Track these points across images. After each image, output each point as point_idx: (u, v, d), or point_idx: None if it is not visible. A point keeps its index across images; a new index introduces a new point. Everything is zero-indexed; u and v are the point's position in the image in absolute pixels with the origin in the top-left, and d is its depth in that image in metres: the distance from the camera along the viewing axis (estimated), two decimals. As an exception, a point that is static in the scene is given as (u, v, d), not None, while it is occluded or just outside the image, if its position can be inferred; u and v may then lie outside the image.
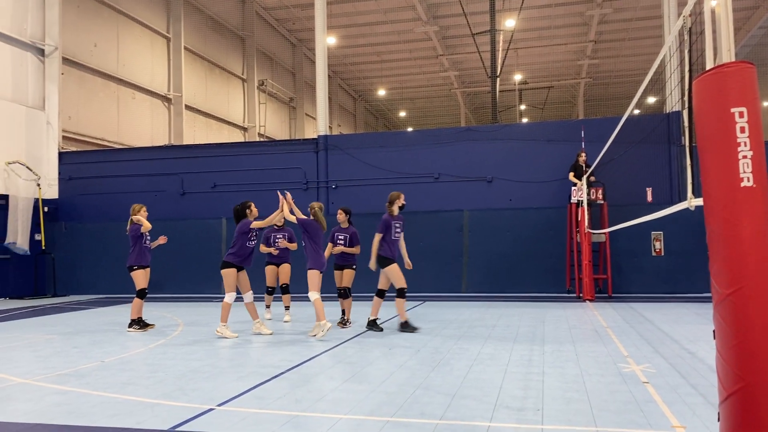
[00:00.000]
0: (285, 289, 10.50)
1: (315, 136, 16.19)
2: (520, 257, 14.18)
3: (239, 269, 8.75)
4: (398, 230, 8.78)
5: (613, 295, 13.32)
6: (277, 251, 10.31)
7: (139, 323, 9.35)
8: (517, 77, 32.19)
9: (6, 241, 15.53)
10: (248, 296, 8.88)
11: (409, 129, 33.12)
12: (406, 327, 8.72)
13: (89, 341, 8.37)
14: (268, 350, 7.42)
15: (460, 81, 35.59)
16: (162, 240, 9.69)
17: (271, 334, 8.81)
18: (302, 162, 15.76)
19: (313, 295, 8.36)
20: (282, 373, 6.11)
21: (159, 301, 13.99)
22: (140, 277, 9.32)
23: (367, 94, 39.55)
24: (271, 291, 10.54)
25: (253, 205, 8.89)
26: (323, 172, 15.60)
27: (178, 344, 8.05)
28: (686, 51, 3.85)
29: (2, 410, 4.88)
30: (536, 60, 31.74)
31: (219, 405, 4.94)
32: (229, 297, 8.58)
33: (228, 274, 8.59)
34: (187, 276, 15.80)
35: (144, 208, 9.43)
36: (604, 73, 34.28)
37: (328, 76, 33.62)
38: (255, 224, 8.64)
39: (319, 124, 16.05)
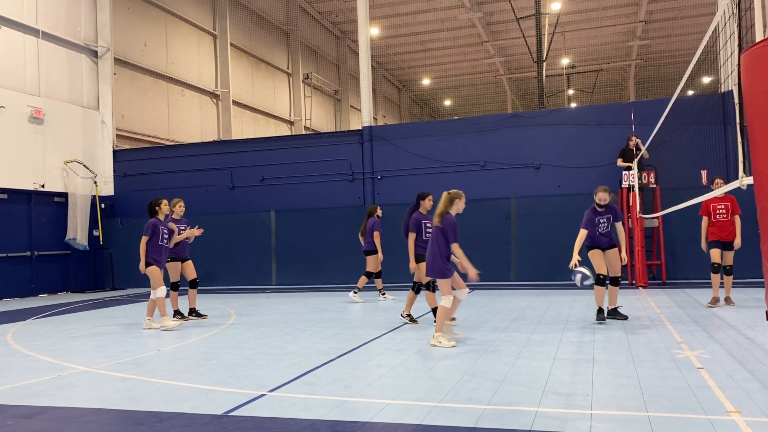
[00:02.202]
0: (379, 274, 11.63)
1: (360, 128, 16.26)
2: (570, 244, 13.92)
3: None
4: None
5: (667, 281, 12.99)
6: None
7: (179, 314, 9.65)
8: (565, 61, 31.53)
9: (66, 237, 16.18)
10: (161, 290, 8.70)
11: (455, 117, 32.92)
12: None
13: (146, 332, 8.66)
14: (317, 339, 7.54)
15: (505, 67, 35.13)
16: (196, 231, 9.69)
17: (170, 327, 8.65)
18: (347, 153, 15.87)
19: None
20: (331, 360, 6.21)
21: (212, 293, 14.36)
22: (168, 271, 9.52)
23: (412, 84, 39.44)
24: (370, 275, 11.56)
25: (163, 203, 8.95)
26: (368, 162, 15.67)
27: (231, 334, 8.26)
28: (735, 25, 3.72)
29: (67, 396, 5.12)
30: (584, 43, 31.02)
31: (270, 391, 5.06)
32: (161, 291, 8.65)
33: (151, 272, 8.67)
34: (239, 268, 16.16)
35: (169, 203, 9.42)
36: (656, 53, 33.25)
37: (372, 67, 33.67)
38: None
39: (363, 115, 16.13)
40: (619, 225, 8.04)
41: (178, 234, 9.43)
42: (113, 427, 4.29)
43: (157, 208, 8.91)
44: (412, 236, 8.21)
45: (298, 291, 14.30)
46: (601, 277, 7.91)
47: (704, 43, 5.93)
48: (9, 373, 6.12)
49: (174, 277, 9.61)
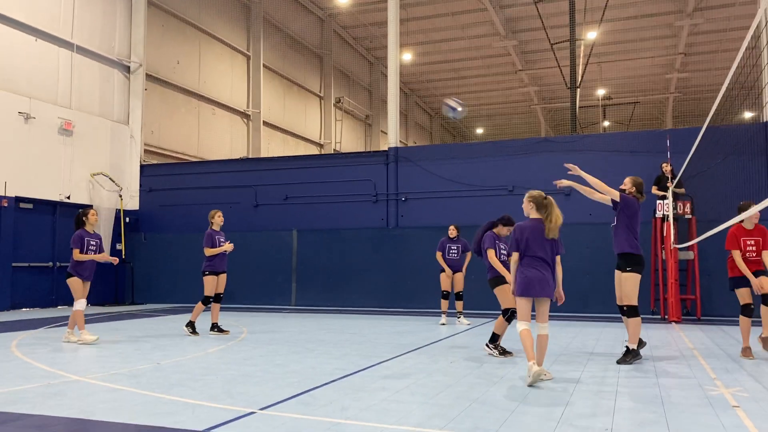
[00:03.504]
0: (459, 296, 11.12)
1: (386, 149, 16.01)
2: (600, 275, 13.32)
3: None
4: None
5: (702, 317, 12.29)
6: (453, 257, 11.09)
7: (191, 326, 9.46)
8: (600, 92, 31.04)
9: (89, 250, 16.13)
10: (80, 303, 8.52)
11: (480, 133, 32.48)
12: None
13: (152, 345, 8.40)
14: (324, 359, 7.17)
15: (539, 97, 34.77)
16: (227, 247, 9.64)
17: (78, 341, 8.40)
18: (372, 174, 15.61)
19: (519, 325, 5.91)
20: (334, 380, 5.82)
21: (229, 311, 14.09)
22: (209, 282, 9.47)
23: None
24: (446, 295, 11.13)
25: (90, 213, 8.65)
26: (393, 184, 15.38)
27: (237, 350, 7.94)
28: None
29: (49, 405, 4.84)
30: (621, 74, 30.51)
31: (261, 409, 4.69)
32: (81, 304, 8.47)
33: (71, 283, 8.50)
34: (258, 287, 15.90)
35: (218, 214, 9.68)
36: (695, 87, 32.48)
37: (405, 93, 33.81)
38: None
39: (390, 135, 15.89)
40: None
41: (219, 245, 9.42)
42: (82, 439, 3.97)
43: (84, 218, 8.63)
44: (491, 252, 7.47)
45: (316, 312, 13.95)
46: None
47: (736, 64, 5.47)
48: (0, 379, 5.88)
49: (213, 290, 9.46)
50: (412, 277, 14.68)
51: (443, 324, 11.10)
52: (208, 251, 9.43)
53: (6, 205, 13.90)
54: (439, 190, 15.02)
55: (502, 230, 7.74)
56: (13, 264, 14.12)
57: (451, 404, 4.85)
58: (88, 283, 8.76)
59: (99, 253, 8.74)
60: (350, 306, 15.00)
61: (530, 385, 5.50)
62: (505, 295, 7.29)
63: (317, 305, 15.35)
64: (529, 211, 5.97)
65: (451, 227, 11.33)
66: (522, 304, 5.83)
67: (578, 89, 19.90)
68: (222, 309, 14.27)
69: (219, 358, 7.25)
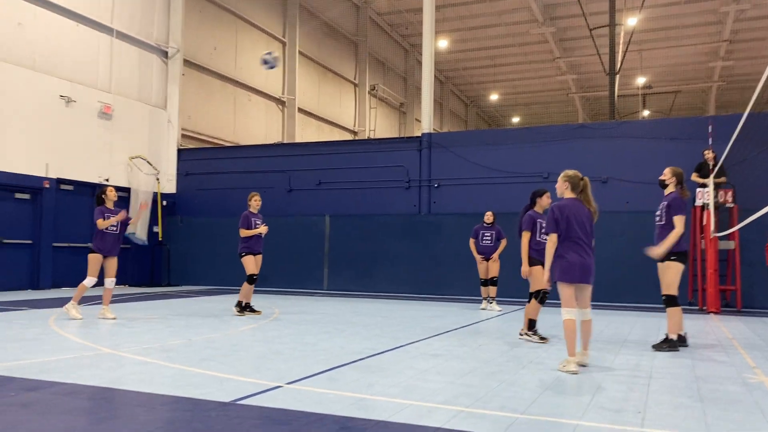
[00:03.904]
0: (493, 282, 11.17)
1: (419, 134, 15.90)
2: (637, 264, 13.02)
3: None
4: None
5: (742, 309, 11.94)
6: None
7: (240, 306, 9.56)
8: (641, 80, 30.30)
9: (127, 231, 16.46)
10: (109, 282, 8.82)
11: (516, 122, 31.92)
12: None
13: (185, 323, 8.51)
14: (353, 339, 7.16)
15: (577, 85, 34.12)
16: (262, 229, 9.70)
17: (114, 318, 8.65)
18: (405, 160, 15.52)
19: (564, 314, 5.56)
20: (361, 359, 5.81)
21: (262, 293, 14.21)
22: (248, 262, 9.55)
23: (480, 100, 38.88)
24: (485, 282, 11.23)
25: (108, 190, 8.79)
26: (426, 170, 15.27)
27: (267, 329, 7.99)
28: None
29: (80, 375, 4.93)
30: (662, 62, 29.73)
31: (288, 383, 4.70)
32: (89, 281, 8.64)
33: (90, 259, 8.66)
34: (291, 271, 16.00)
35: (256, 197, 9.76)
36: (741, 76, 31.47)
37: (440, 81, 33.54)
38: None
39: (423, 121, 15.76)
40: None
41: (254, 228, 9.50)
42: (109, 405, 4.03)
43: (103, 196, 8.80)
44: (526, 235, 7.18)
45: (348, 297, 13.98)
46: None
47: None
48: (35, 350, 6.02)
49: (254, 268, 9.53)
50: (443, 264, 14.60)
51: (483, 309, 11.11)
52: (243, 232, 9.51)
53: (48, 186, 14.24)
54: (472, 177, 14.87)
55: (543, 201, 7.38)
56: (54, 244, 14.48)
57: (478, 384, 4.78)
58: (112, 261, 8.82)
59: (121, 229, 8.86)
60: (381, 291, 14.99)
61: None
62: (536, 276, 7.11)
63: (349, 290, 15.38)
64: (564, 191, 5.72)
65: (488, 213, 11.28)
66: (565, 291, 5.51)
67: (617, 76, 19.48)
68: (255, 291, 14.42)
69: (250, 336, 7.31)
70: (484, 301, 11.34)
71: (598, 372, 5.40)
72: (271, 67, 9.60)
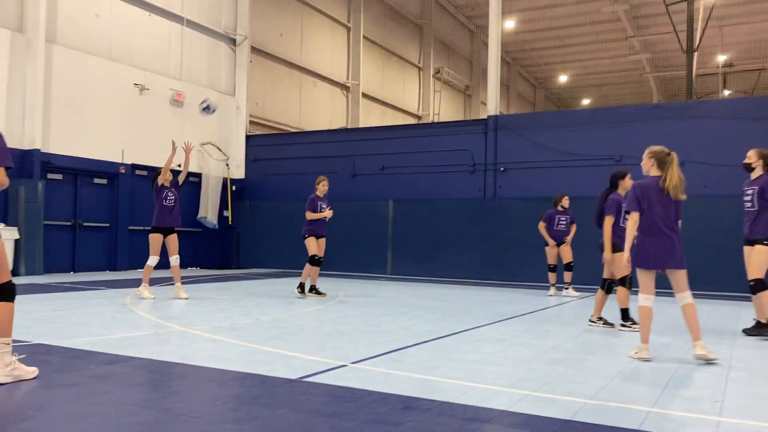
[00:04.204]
0: (568, 267, 10.92)
1: (485, 117, 15.64)
2: (715, 251, 12.47)
3: (165, 233, 8.99)
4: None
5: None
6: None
7: (302, 287, 9.67)
8: (721, 58, 28.77)
9: (198, 215, 17.00)
10: (173, 260, 9.11)
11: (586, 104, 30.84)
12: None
13: (254, 304, 8.71)
14: (417, 322, 7.14)
15: (652, 65, 32.73)
16: (327, 213, 9.80)
17: (187, 298, 8.87)
18: (470, 143, 15.31)
19: (641, 300, 5.37)
20: (425, 341, 5.79)
21: (326, 277, 14.40)
22: (310, 244, 9.65)
23: (548, 82, 37.90)
24: (552, 268, 11.06)
25: (162, 170, 8.91)
26: (492, 154, 15.01)
27: (332, 310, 8.08)
28: None
29: (154, 350, 5.11)
30: (744, 38, 28.08)
31: (353, 363, 4.73)
32: (152, 260, 8.92)
33: (151, 239, 8.94)
34: (355, 255, 16.12)
35: (324, 181, 9.87)
36: (832, 51, 29.41)
37: (507, 63, 32.87)
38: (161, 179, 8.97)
39: (489, 103, 15.47)
40: None
41: (320, 211, 9.62)
42: (181, 379, 4.16)
43: (157, 176, 9.05)
44: (609, 220, 6.78)
45: (411, 281, 13.98)
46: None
47: None
48: (113, 327, 6.29)
49: (315, 251, 9.65)
50: (509, 250, 14.37)
51: (551, 296, 10.88)
52: (309, 215, 9.63)
53: (123, 171, 14.83)
54: (539, 160, 14.52)
55: (626, 183, 6.93)
56: (130, 227, 15.08)
57: (545, 369, 4.68)
58: (172, 238, 9.10)
59: (177, 205, 9.14)
60: (445, 276, 14.91)
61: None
62: (618, 262, 6.74)
63: (412, 275, 15.37)
64: (649, 168, 5.31)
65: (566, 198, 10.99)
66: (642, 277, 5.22)
67: (695, 54, 18.55)
68: (320, 275, 14.62)
69: (315, 317, 7.41)
70: (552, 288, 11.09)
71: (673, 360, 5.19)
72: (213, 111, 9.54)
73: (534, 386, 4.11)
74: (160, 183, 8.99)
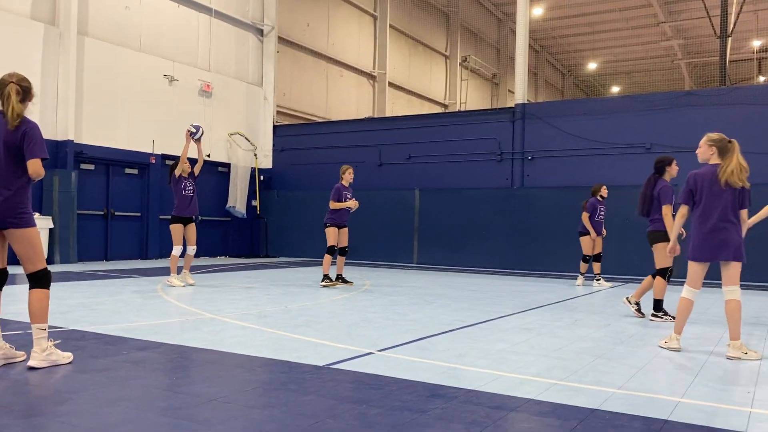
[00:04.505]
0: (598, 258, 10.82)
1: (512, 105, 15.50)
2: (752, 241, 12.20)
3: (185, 222, 9.24)
4: None
5: None
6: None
7: (327, 278, 9.67)
8: (756, 43, 28.04)
9: (227, 205, 17.20)
10: (191, 249, 9.45)
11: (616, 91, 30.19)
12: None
13: (282, 292, 8.81)
14: (443, 311, 7.15)
15: (684, 51, 32.06)
16: (351, 203, 9.79)
17: (193, 284, 9.25)
18: (497, 132, 15.19)
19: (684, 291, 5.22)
20: (452, 330, 5.80)
21: (353, 266, 14.48)
22: (330, 233, 9.64)
23: (577, 69, 37.38)
24: (587, 259, 10.82)
25: (180, 161, 9.19)
26: (519, 142, 14.89)
27: (359, 299, 8.13)
28: None
29: (184, 337, 5.21)
30: (781, 22, 27.31)
31: (379, 350, 4.77)
32: (176, 250, 9.24)
33: (172, 229, 9.23)
34: (381, 244, 16.16)
35: (349, 170, 9.83)
36: None
37: (535, 50, 32.50)
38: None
39: (517, 91, 15.30)
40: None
41: (345, 200, 9.62)
42: (211, 364, 4.23)
43: (175, 167, 9.30)
44: (668, 209, 6.53)
45: (438, 270, 13.97)
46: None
47: None
48: (145, 314, 6.42)
49: (334, 241, 9.62)
50: (537, 239, 14.27)
51: (579, 286, 10.76)
52: (333, 204, 9.65)
53: (154, 162, 15.05)
54: (568, 149, 14.36)
55: (673, 170, 6.82)
56: (160, 216, 15.31)
57: (573, 359, 4.65)
58: (191, 228, 9.41)
59: (195, 195, 9.40)
60: (472, 266, 14.87)
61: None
62: (662, 252, 6.64)
63: (439, 264, 15.37)
64: (709, 156, 5.11)
65: (604, 187, 10.77)
66: (693, 269, 5.06)
67: (729, 40, 18.11)
68: (346, 264, 14.71)
69: (342, 305, 7.47)
70: (580, 277, 10.98)
71: (704, 351, 5.12)
72: (200, 137, 9.51)
73: (561, 375, 4.09)
74: (177, 174, 9.18)
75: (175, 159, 9.48)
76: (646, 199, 6.79)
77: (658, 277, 6.79)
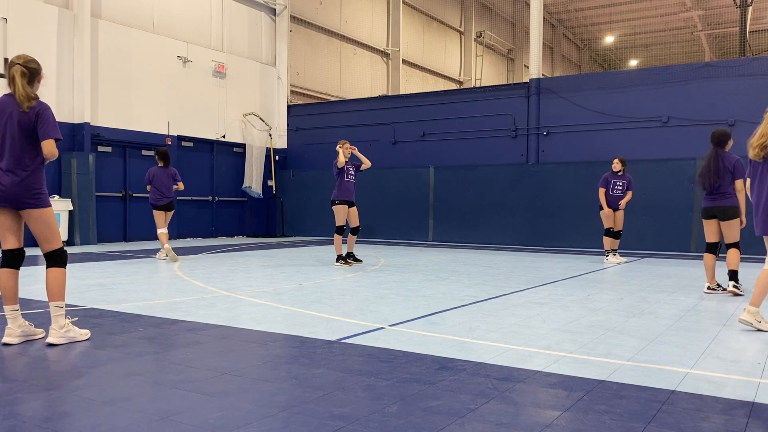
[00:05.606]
0: (617, 234, 10.75)
1: (527, 80, 15.34)
2: None
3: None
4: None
5: None
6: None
7: (341, 259, 9.68)
8: (779, 13, 27.35)
9: (243, 185, 17.31)
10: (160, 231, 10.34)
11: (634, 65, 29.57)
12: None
13: (297, 270, 8.89)
14: (456, 287, 7.18)
15: (704, 22, 31.37)
16: (365, 163, 9.80)
17: (165, 259, 9.99)
18: (512, 108, 15.07)
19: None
20: (463, 305, 5.83)
21: (368, 243, 14.55)
22: (338, 212, 9.52)
23: (594, 43, 36.78)
24: (609, 232, 10.69)
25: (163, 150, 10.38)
26: (534, 118, 14.75)
27: (373, 276, 8.18)
28: None
29: (200, 314, 5.30)
30: (805, -10, 26.61)
31: (391, 325, 4.82)
32: (158, 231, 10.34)
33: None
34: (396, 222, 16.20)
35: (346, 144, 9.55)
36: None
37: (551, 24, 32.01)
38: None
39: (531, 65, 15.13)
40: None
41: (349, 175, 9.54)
42: (226, 340, 4.31)
43: (168, 154, 10.69)
44: (742, 183, 6.41)
45: (453, 247, 13.99)
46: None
47: None
48: (162, 292, 6.54)
49: (343, 221, 9.48)
50: (552, 215, 14.22)
51: (608, 261, 10.55)
52: (340, 161, 9.41)
53: (170, 143, 15.16)
54: (584, 123, 14.21)
55: (730, 145, 6.75)
56: (178, 198, 15.44)
57: (583, 332, 4.67)
58: (167, 214, 10.56)
59: (166, 182, 10.72)
60: (487, 243, 14.87)
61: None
62: (734, 227, 6.64)
63: (454, 241, 15.38)
64: None
65: (616, 161, 10.54)
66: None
67: (750, 9, 17.71)
68: (361, 242, 14.79)
69: (355, 282, 7.53)
70: (610, 254, 10.65)
71: (717, 324, 5.10)
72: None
73: (571, 348, 4.12)
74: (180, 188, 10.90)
75: (164, 146, 10.64)
76: (717, 173, 6.62)
77: (734, 250, 6.70)
